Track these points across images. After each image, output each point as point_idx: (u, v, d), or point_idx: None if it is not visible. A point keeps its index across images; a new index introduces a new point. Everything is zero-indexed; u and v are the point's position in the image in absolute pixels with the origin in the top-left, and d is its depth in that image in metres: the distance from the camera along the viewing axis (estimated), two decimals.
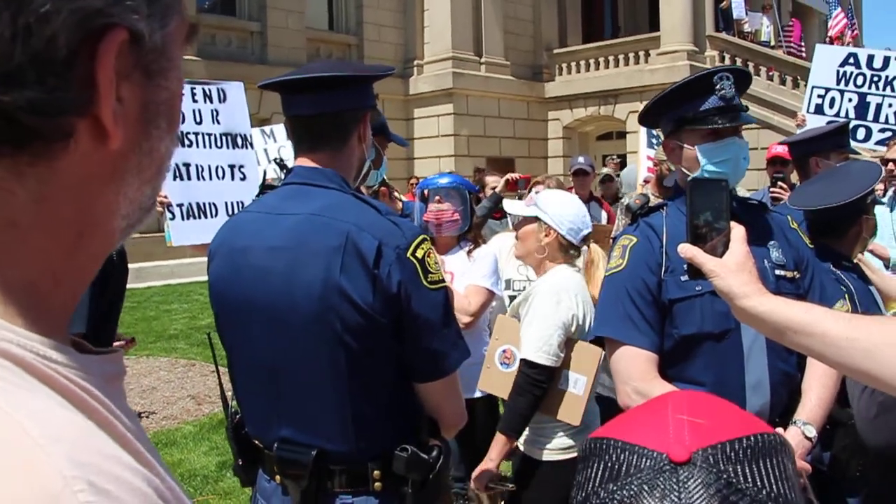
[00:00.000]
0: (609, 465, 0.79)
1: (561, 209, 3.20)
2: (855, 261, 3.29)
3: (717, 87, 2.32)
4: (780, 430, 2.29)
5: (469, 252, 3.91)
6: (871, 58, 6.67)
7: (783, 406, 2.38)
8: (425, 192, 3.98)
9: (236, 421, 2.11)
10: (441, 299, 1.90)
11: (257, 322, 1.92)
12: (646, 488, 0.75)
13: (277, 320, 1.87)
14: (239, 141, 4.98)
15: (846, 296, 2.74)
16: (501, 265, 4.11)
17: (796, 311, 1.40)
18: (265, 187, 2.56)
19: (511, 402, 3.00)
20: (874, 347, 1.27)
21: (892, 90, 6.45)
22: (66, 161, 0.56)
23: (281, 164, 4.42)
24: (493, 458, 2.97)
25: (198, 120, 4.82)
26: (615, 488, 0.76)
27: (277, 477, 1.96)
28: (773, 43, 21.87)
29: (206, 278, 2.11)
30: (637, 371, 2.28)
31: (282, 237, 1.89)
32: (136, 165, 0.62)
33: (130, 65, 0.58)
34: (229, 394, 2.17)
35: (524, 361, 2.99)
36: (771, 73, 18.58)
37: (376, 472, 1.88)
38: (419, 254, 1.86)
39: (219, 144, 4.88)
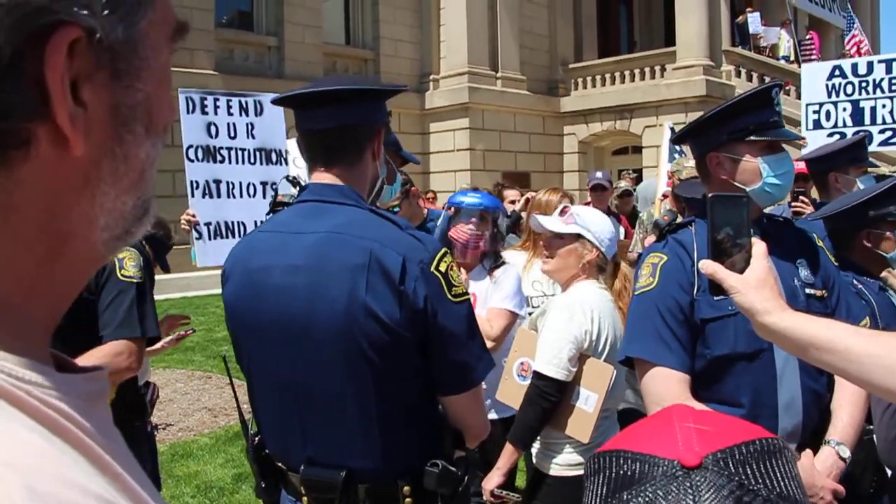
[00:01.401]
0: (619, 475, 0.79)
1: (602, 227, 3.20)
2: (884, 274, 3.29)
3: (775, 101, 2.30)
4: (808, 452, 2.27)
5: (491, 271, 3.81)
6: (854, 66, 6.88)
7: (814, 426, 2.33)
8: (452, 208, 3.86)
9: (256, 442, 2.09)
10: (465, 311, 1.90)
11: (279, 342, 1.89)
12: (660, 494, 0.75)
13: (300, 340, 1.85)
14: (273, 157, 4.82)
15: (868, 312, 2.72)
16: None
17: (818, 327, 1.39)
18: (276, 204, 2.56)
19: (521, 414, 3.01)
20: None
21: (882, 91, 6.64)
22: (28, 169, 0.53)
23: (294, 181, 4.37)
24: (501, 466, 3.00)
25: (232, 134, 4.66)
26: (629, 497, 0.77)
27: (305, 498, 1.94)
28: (792, 58, 21.79)
29: (220, 291, 2.10)
30: (669, 392, 2.22)
31: (302, 256, 1.87)
32: (110, 173, 0.58)
33: (92, 65, 0.55)
34: (248, 415, 2.15)
35: (535, 373, 3.00)
36: (788, 88, 18.51)
37: (406, 489, 1.86)
38: (442, 267, 1.86)
39: (252, 160, 4.72)
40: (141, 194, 0.62)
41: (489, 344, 3.51)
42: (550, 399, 2.94)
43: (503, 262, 3.89)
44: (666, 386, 2.24)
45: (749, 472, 0.76)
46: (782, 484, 0.77)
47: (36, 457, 0.48)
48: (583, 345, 2.98)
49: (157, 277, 3.19)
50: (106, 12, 0.54)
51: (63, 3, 0.51)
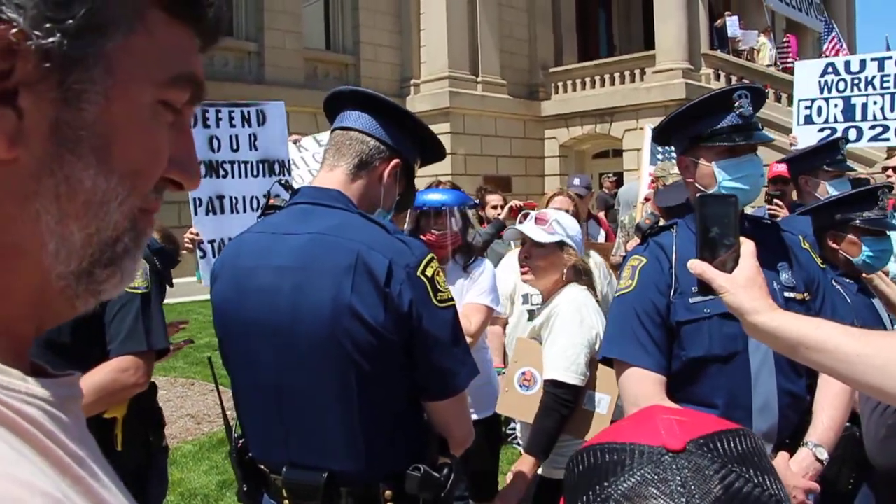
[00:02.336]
0: (604, 465, 0.81)
1: (576, 230, 3.23)
2: (871, 276, 3.38)
3: (736, 104, 2.31)
4: (784, 453, 2.28)
5: (465, 267, 3.72)
6: (847, 63, 6.98)
7: (792, 428, 2.35)
8: (419, 210, 3.75)
9: (240, 445, 2.09)
10: (450, 317, 1.90)
11: (263, 343, 1.90)
12: (647, 477, 0.77)
13: (285, 341, 1.86)
14: (276, 168, 4.66)
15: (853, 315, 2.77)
16: (515, 281, 4.06)
17: (808, 326, 1.39)
18: (269, 208, 2.55)
19: (538, 423, 2.95)
20: (886, 363, 1.27)
21: (874, 88, 6.73)
22: None
23: (286, 185, 4.27)
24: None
25: (234, 147, 4.49)
26: (615, 480, 0.78)
27: (286, 502, 1.93)
28: (776, 66, 21.93)
29: (204, 297, 2.10)
30: (645, 393, 2.25)
31: (289, 257, 1.88)
32: (52, 191, 0.58)
33: (36, 74, 0.55)
34: (232, 419, 2.14)
35: (551, 382, 2.96)
36: (767, 91, 18.64)
37: (388, 493, 1.86)
38: (429, 272, 1.86)
39: (255, 173, 4.56)
40: (92, 229, 0.61)
41: (467, 339, 3.49)
42: (568, 406, 2.93)
43: (476, 258, 3.80)
44: (642, 387, 2.27)
45: (732, 455, 0.78)
46: (764, 469, 0.79)
47: None
48: (594, 347, 2.99)
49: None
50: (40, 16, 0.54)
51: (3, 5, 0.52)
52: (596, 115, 21.66)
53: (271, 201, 3.03)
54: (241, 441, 2.09)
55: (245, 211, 4.49)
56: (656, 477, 0.76)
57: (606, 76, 21.83)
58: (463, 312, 3.59)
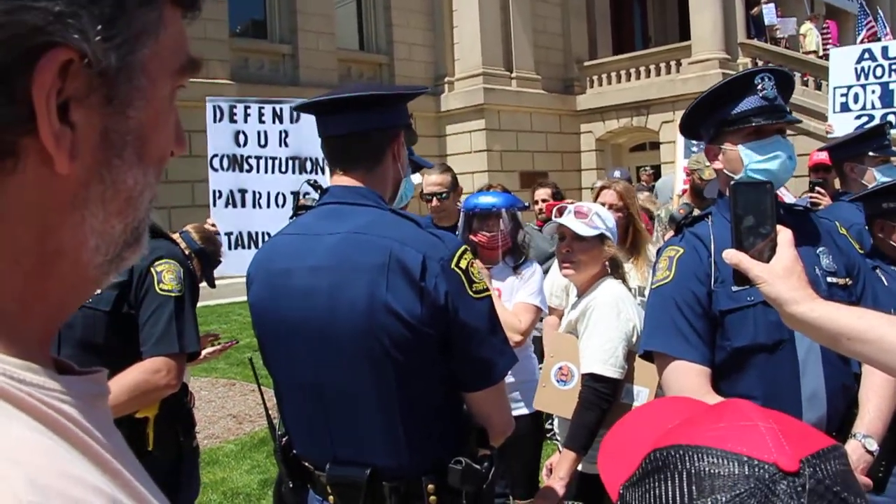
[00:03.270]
0: (697, 473, 0.74)
1: (613, 223, 3.21)
2: None
3: (759, 87, 2.28)
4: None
5: (515, 268, 3.81)
6: (885, 49, 6.80)
7: (840, 418, 2.30)
8: (470, 212, 3.84)
9: (284, 443, 2.11)
10: (486, 308, 1.90)
11: (302, 342, 1.91)
12: (757, 497, 0.70)
13: (323, 339, 1.87)
14: (308, 165, 4.64)
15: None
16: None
17: (849, 316, 1.36)
18: (299, 208, 2.57)
19: (577, 418, 2.92)
20: None
21: None
22: (15, 181, 0.55)
23: (315, 185, 4.31)
24: (563, 475, 2.83)
25: (262, 143, 4.51)
26: (716, 499, 0.72)
27: (331, 497, 1.95)
28: (821, 52, 21.57)
29: (244, 298, 2.12)
30: (690, 386, 2.20)
31: (323, 257, 1.90)
32: (99, 196, 0.60)
33: (84, 88, 0.57)
34: (275, 418, 2.16)
35: (590, 376, 2.94)
36: (806, 79, 18.35)
37: (430, 486, 1.87)
38: (462, 264, 1.87)
39: (283, 169, 4.55)
40: (130, 220, 0.64)
41: (517, 338, 3.51)
42: (608, 400, 2.90)
43: (526, 259, 3.87)
44: (686, 379, 2.23)
45: (837, 478, 0.73)
46: (858, 491, 0.75)
47: (37, 453, 0.51)
48: (631, 340, 2.97)
49: None
50: (98, 38, 0.56)
51: (58, 26, 0.53)
52: (632, 108, 21.49)
53: (301, 201, 3.04)
54: (284, 439, 2.12)
55: (269, 207, 4.49)
56: (771, 502, 0.70)
57: (642, 68, 21.65)
58: (514, 311, 3.63)
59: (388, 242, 1.84)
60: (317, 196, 2.34)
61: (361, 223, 1.91)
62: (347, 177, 2.02)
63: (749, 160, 2.29)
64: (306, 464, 2.03)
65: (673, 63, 20.99)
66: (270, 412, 2.60)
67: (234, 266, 4.33)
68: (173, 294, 2.68)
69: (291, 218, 2.62)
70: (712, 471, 0.73)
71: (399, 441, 1.86)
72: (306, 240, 1.97)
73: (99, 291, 1.84)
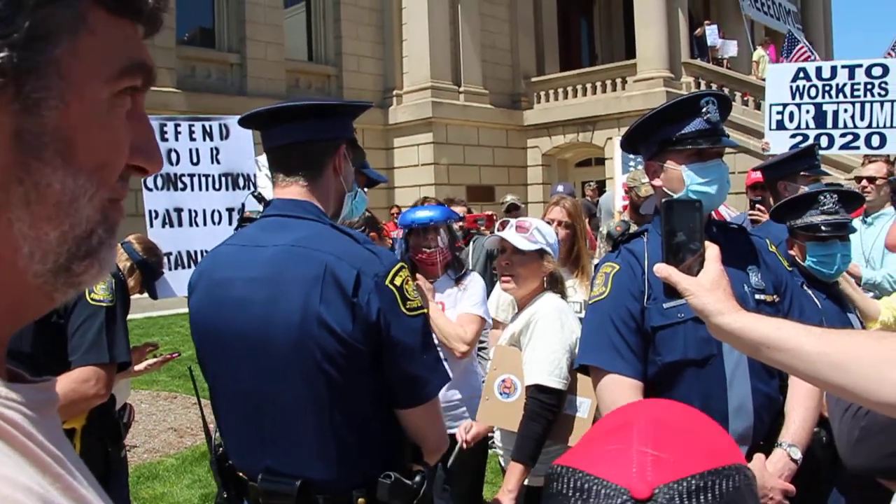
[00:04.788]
0: (573, 491, 0.79)
1: (554, 238, 3.26)
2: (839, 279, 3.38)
3: (704, 110, 2.34)
4: (760, 455, 2.31)
5: (458, 280, 3.87)
6: (819, 70, 6.95)
7: (766, 429, 2.38)
8: (408, 228, 3.90)
9: (220, 453, 2.11)
10: (419, 325, 1.92)
11: (239, 353, 1.92)
12: None
13: (258, 351, 1.88)
14: (241, 182, 4.61)
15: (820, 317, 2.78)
16: None
17: (769, 326, 1.41)
18: (243, 220, 2.57)
19: (524, 430, 2.95)
20: (845, 361, 1.28)
21: (844, 96, 6.71)
22: None
23: (259, 197, 4.29)
24: (512, 488, 2.86)
25: (194, 160, 4.45)
26: None
27: None
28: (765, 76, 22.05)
29: (186, 310, 2.12)
30: (623, 399, 2.24)
31: (261, 268, 1.91)
32: (21, 198, 0.59)
33: None
34: (212, 426, 2.16)
35: (535, 387, 2.97)
36: (746, 99, 18.82)
37: (361, 500, 1.88)
38: (397, 281, 1.88)
39: (216, 186, 4.51)
40: (67, 228, 0.62)
41: (463, 348, 3.57)
42: (554, 410, 2.94)
43: (467, 271, 3.97)
44: (619, 393, 2.29)
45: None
46: None
47: None
48: (574, 352, 2.99)
49: None
50: (3, 36, 0.56)
51: None
52: (578, 124, 21.75)
53: (247, 214, 3.02)
54: (220, 449, 2.12)
55: (206, 224, 4.44)
56: None
57: (588, 85, 21.95)
58: (458, 322, 3.66)
59: (324, 256, 1.85)
60: (261, 208, 2.35)
61: (300, 236, 1.92)
62: (289, 188, 2.04)
63: (691, 181, 2.36)
64: (241, 474, 2.03)
65: (619, 80, 21.31)
66: (210, 425, 2.58)
67: (174, 288, 4.24)
68: (104, 304, 2.66)
69: (235, 229, 2.61)
70: (581, 494, 0.78)
71: (330, 454, 1.87)
72: (247, 251, 1.99)
73: None
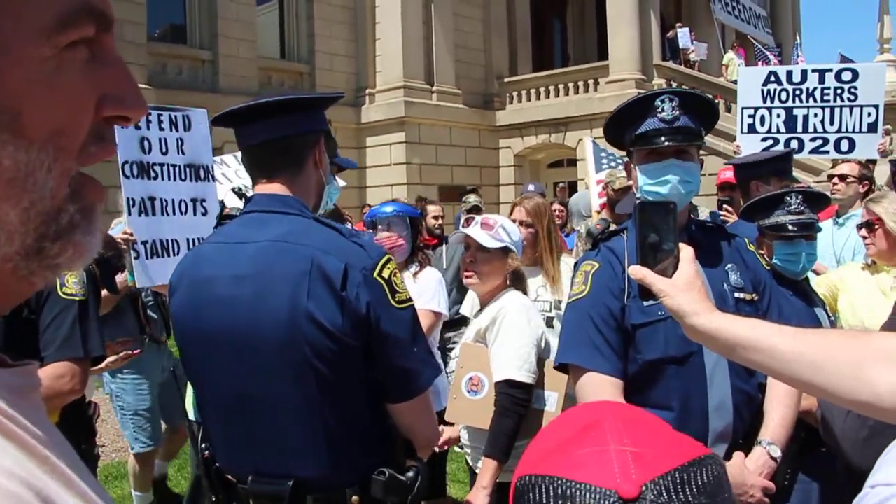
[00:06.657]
0: (552, 500, 0.77)
1: (518, 236, 3.28)
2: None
3: (658, 108, 2.35)
4: (739, 453, 2.32)
5: (415, 275, 4.01)
6: (789, 73, 6.98)
7: (746, 427, 2.39)
8: (373, 220, 4.10)
9: (206, 455, 2.07)
10: (409, 317, 1.90)
11: (225, 352, 1.89)
12: None
13: (246, 349, 1.85)
14: (202, 173, 4.64)
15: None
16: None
17: (744, 327, 1.42)
18: (223, 217, 2.55)
19: (496, 426, 2.95)
20: (819, 360, 1.29)
21: (814, 101, 6.74)
22: None
23: (240, 193, 4.25)
24: (486, 485, 2.86)
25: (164, 150, 4.45)
26: None
27: None
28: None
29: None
30: (603, 397, 2.26)
31: (246, 265, 1.88)
32: None
33: None
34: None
35: (505, 382, 2.97)
36: (717, 101, 18.98)
37: (354, 498, 1.86)
38: (385, 274, 1.86)
39: (182, 177, 4.52)
40: (28, 205, 0.58)
41: None
42: (525, 405, 2.95)
43: (426, 267, 4.11)
44: (600, 390, 2.29)
45: (688, 496, 0.75)
46: (720, 495, 0.77)
47: None
48: (540, 346, 3.03)
49: None
50: None
51: None
52: (550, 125, 21.81)
53: (227, 211, 3.00)
54: (206, 451, 2.08)
55: (175, 214, 4.44)
56: None
57: (560, 86, 22.03)
58: None
59: (309, 251, 1.83)
60: (241, 205, 2.33)
61: (283, 231, 1.89)
62: (270, 185, 2.00)
63: (643, 182, 2.39)
64: (229, 476, 2.00)
65: (591, 82, 21.41)
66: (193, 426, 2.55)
67: (152, 276, 4.23)
68: (77, 298, 2.62)
69: (215, 227, 2.59)
70: (564, 502, 0.77)
71: (322, 453, 1.85)
72: (230, 248, 1.95)
73: None
